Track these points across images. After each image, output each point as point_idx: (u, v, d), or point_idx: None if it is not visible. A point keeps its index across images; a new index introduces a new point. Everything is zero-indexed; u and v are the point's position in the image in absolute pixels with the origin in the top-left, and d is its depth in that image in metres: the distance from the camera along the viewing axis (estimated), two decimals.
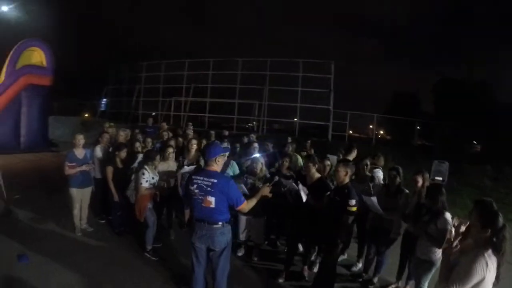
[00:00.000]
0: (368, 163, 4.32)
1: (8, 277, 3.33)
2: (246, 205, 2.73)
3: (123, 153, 4.47)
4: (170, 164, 4.45)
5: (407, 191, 3.60)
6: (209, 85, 16.02)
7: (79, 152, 4.45)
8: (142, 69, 16.76)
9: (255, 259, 4.18)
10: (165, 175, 4.31)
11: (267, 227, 4.31)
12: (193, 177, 2.74)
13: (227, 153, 3.15)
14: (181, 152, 5.07)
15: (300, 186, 3.51)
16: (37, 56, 10.64)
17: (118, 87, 17.60)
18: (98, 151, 4.90)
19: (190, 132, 6.91)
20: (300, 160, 5.36)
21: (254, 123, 16.15)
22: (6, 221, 4.82)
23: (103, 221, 5.03)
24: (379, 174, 4.61)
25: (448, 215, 2.81)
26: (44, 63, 10.70)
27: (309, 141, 7.34)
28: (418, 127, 15.61)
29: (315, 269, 3.86)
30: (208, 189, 2.62)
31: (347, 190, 3.09)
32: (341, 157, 4.76)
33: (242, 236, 4.16)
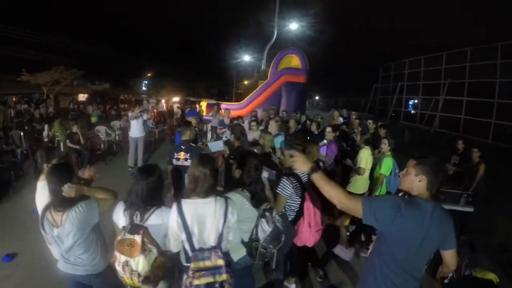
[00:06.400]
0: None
1: None
2: None
3: None
4: (255, 134, 6.48)
5: None
6: (466, 80, 13.12)
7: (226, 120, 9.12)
8: (405, 66, 16.79)
9: None
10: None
11: None
12: None
13: (195, 116, 6.04)
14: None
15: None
16: (294, 61, 15.00)
17: (387, 84, 18.77)
18: None
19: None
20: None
21: None
22: None
23: None
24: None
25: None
26: (300, 66, 14.85)
27: (460, 140, 5.86)
28: None
29: None
30: None
31: None
32: None
33: None
